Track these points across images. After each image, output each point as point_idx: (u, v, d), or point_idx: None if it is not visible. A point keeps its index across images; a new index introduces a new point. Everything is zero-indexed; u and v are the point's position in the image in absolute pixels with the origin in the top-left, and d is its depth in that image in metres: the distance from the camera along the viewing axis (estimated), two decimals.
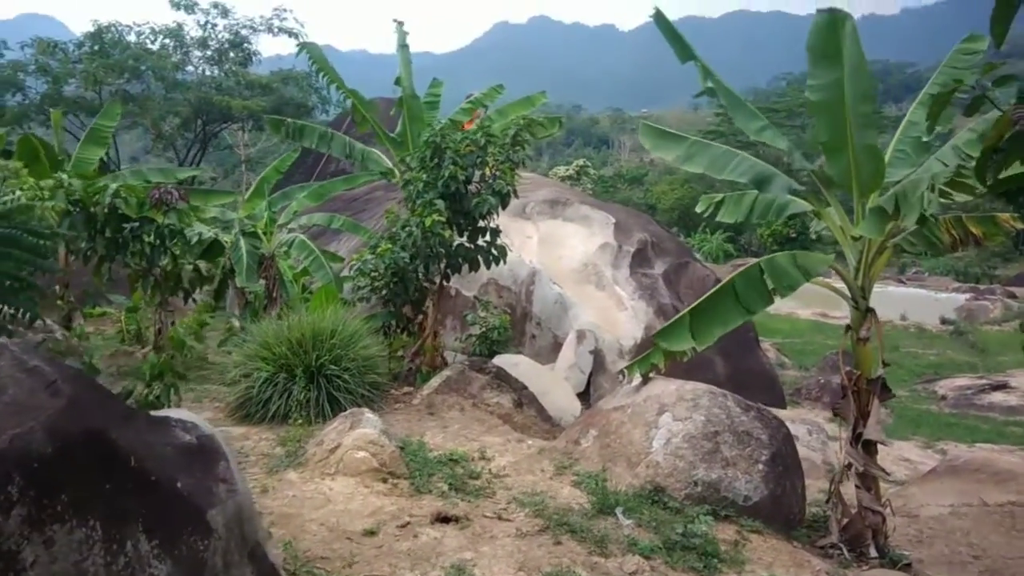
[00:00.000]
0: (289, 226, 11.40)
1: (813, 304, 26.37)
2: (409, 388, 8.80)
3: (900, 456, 10.56)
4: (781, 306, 23.14)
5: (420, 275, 8.62)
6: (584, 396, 11.62)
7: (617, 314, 12.81)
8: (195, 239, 11.02)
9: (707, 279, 13.23)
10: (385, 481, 5.71)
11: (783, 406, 12.62)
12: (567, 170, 49.73)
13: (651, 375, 6.86)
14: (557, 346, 12.76)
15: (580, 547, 4.97)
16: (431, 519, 5.18)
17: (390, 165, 9.76)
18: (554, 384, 10.91)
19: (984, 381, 15.17)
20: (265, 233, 11.24)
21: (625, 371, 7.14)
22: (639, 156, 73.94)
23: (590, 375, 12.12)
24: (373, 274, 8.83)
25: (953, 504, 6.86)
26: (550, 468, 6.51)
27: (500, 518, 5.34)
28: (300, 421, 7.03)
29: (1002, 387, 14.52)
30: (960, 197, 5.69)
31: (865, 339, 5.99)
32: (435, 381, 8.58)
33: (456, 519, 5.22)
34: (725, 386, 9.11)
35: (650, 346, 6.80)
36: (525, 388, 9.13)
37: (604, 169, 63.99)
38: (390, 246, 8.34)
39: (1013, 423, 12.73)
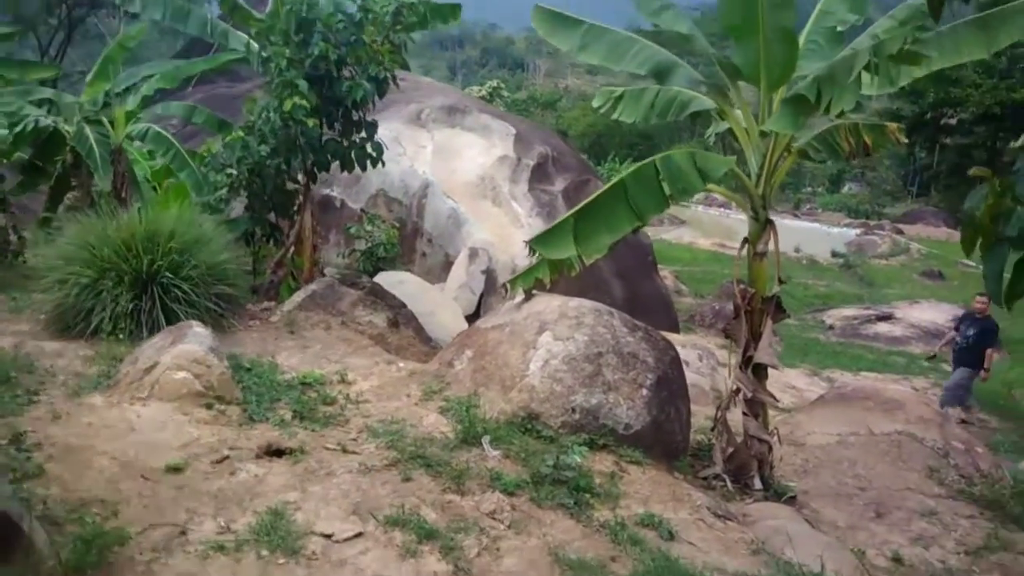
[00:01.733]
0: (140, 115, 9.86)
1: (713, 234, 26.63)
2: (270, 304, 7.80)
3: (787, 383, 10.48)
4: (683, 235, 23.18)
5: (281, 172, 7.49)
6: (474, 318, 10.94)
7: (513, 232, 12.05)
8: (30, 126, 9.43)
9: None
10: (210, 407, 4.80)
11: (677, 331, 12.38)
12: (480, 91, 47.99)
13: (534, 292, 6.16)
14: (448, 264, 11.98)
15: (433, 483, 4.28)
16: (258, 452, 4.35)
17: (255, 47, 8.40)
18: (442, 304, 10.17)
19: (870, 312, 15.48)
20: (111, 122, 9.69)
21: (507, 286, 6.40)
22: (554, 81, 72.59)
23: (481, 296, 11.44)
24: (228, 170, 7.63)
25: (841, 433, 6.60)
26: (417, 393, 5.77)
27: (345, 451, 4.57)
28: (122, 336, 5.96)
29: (887, 318, 14.84)
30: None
31: (763, 253, 5.45)
32: (299, 296, 7.61)
33: (289, 452, 4.41)
34: (621, 309, 8.59)
35: None
36: (403, 306, 8.28)
37: (518, 93, 62.39)
38: (241, 135, 7.12)
39: (896, 353, 12.99)
